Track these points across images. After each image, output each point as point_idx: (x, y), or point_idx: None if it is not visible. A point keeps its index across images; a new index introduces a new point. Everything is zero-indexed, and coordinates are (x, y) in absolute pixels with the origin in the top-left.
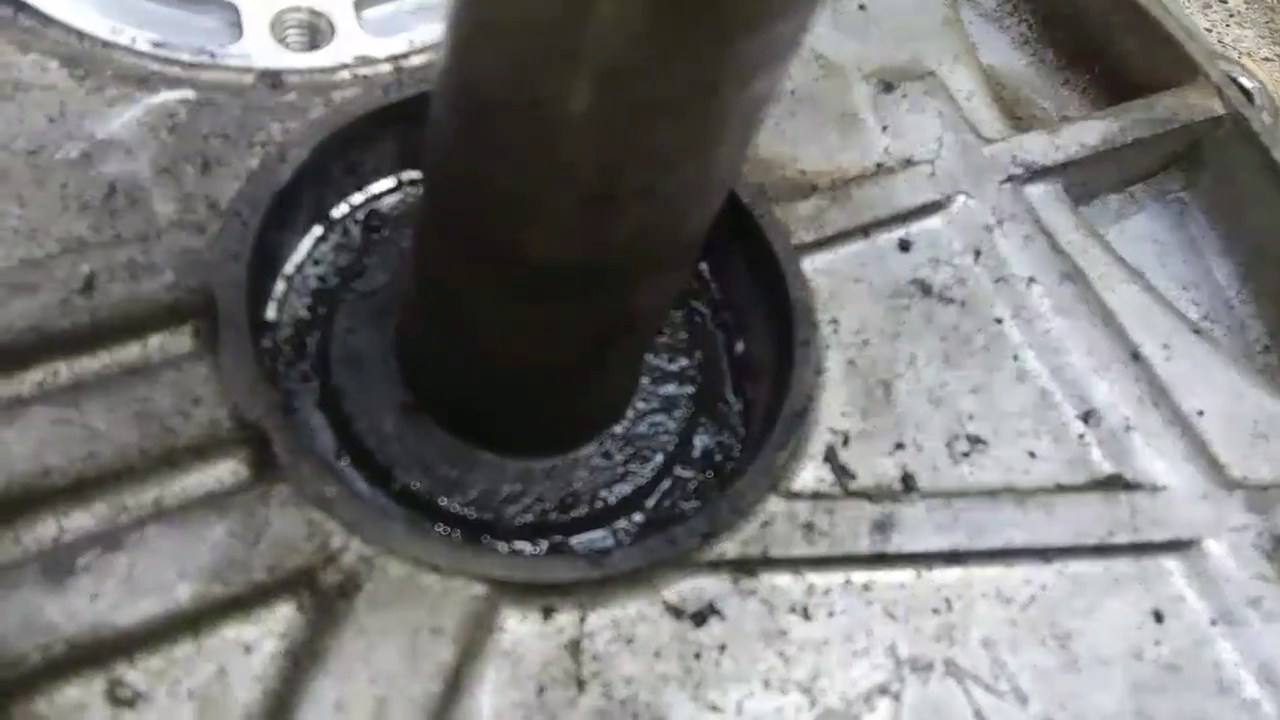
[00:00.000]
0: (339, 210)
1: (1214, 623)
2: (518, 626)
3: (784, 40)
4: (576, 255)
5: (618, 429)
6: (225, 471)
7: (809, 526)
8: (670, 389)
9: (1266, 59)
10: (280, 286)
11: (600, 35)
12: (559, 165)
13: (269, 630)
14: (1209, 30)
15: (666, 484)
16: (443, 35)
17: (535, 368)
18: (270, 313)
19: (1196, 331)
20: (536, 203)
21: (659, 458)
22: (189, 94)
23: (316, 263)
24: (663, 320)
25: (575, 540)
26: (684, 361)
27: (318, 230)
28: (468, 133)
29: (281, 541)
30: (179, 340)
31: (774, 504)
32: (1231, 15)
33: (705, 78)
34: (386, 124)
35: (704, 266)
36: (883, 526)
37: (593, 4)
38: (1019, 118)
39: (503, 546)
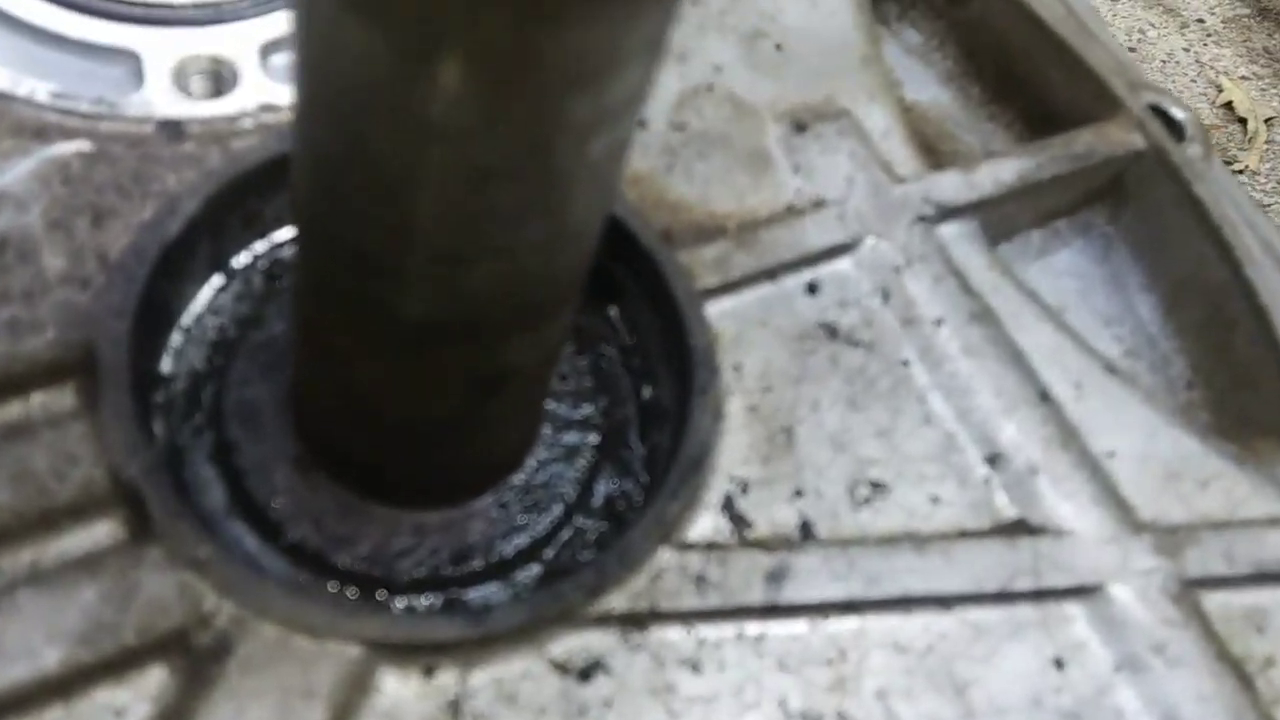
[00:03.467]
0: (240, 260)
1: (1117, 669)
2: (396, 687)
3: (618, 100)
4: (435, 312)
5: (516, 479)
6: (102, 533)
7: (701, 578)
8: (572, 437)
9: (1244, 77)
10: (177, 338)
11: (425, 98)
12: (403, 225)
13: (140, 694)
14: (1186, 50)
15: (566, 534)
16: (292, 95)
17: (416, 420)
18: (165, 366)
19: (1110, 370)
20: (387, 261)
21: (558, 508)
22: (85, 145)
23: (216, 313)
24: (549, 371)
25: (470, 594)
26: (588, 409)
27: (218, 280)
28: (318, 191)
29: (153, 604)
30: (60, 398)
31: (665, 556)
32: (1209, 35)
33: (537, 140)
34: (286, 172)
35: (614, 311)
36: (777, 576)
37: (416, 68)
38: (941, 153)
39: (397, 601)
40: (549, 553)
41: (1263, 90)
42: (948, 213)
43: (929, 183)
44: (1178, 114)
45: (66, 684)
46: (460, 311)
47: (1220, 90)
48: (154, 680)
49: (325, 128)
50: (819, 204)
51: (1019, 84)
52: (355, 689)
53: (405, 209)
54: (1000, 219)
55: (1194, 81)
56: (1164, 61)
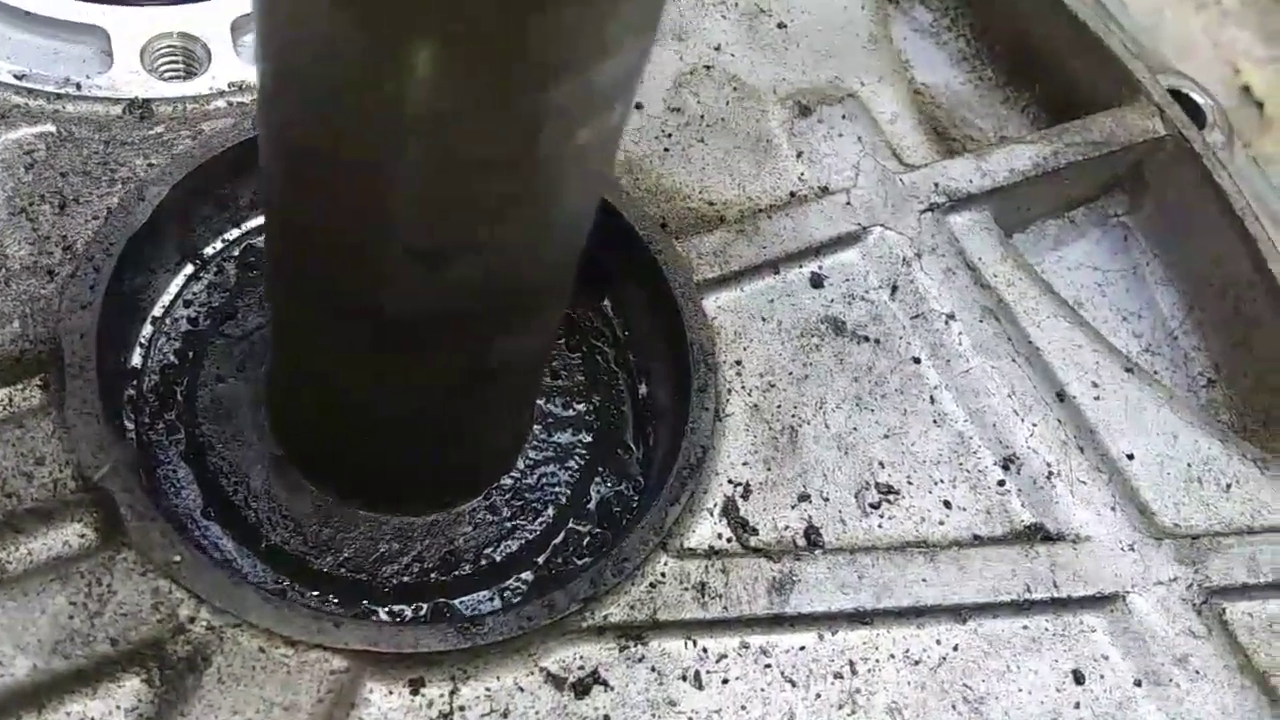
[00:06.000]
0: (212, 247)
1: (1138, 683)
2: (382, 700)
3: (609, 85)
4: (416, 309)
5: (506, 481)
6: (71, 535)
7: (701, 587)
8: (565, 437)
9: (1261, 60)
10: (148, 330)
11: (401, 83)
12: (379, 218)
13: (115, 705)
14: (1204, 31)
15: (559, 539)
16: (256, 76)
17: (399, 420)
18: (135, 359)
19: (1129, 370)
20: (364, 255)
21: (550, 511)
22: (50, 128)
23: (187, 303)
24: (539, 368)
25: (459, 602)
26: (580, 407)
27: (189, 269)
28: (288, 182)
29: (126, 612)
30: (26, 395)
31: (664, 563)
32: (1226, 15)
33: (521, 128)
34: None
35: (607, 303)
36: (782, 586)
37: (391, 51)
38: (953, 139)
39: (382, 610)
40: (541, 558)
41: None
42: (959, 201)
43: (940, 169)
44: (1199, 99)
45: (37, 695)
46: (442, 308)
47: (1238, 72)
48: (128, 691)
49: (292, 115)
50: (824, 192)
51: (1035, 66)
52: (339, 702)
53: (381, 202)
54: (1015, 208)
55: (1211, 63)
56: (1181, 42)
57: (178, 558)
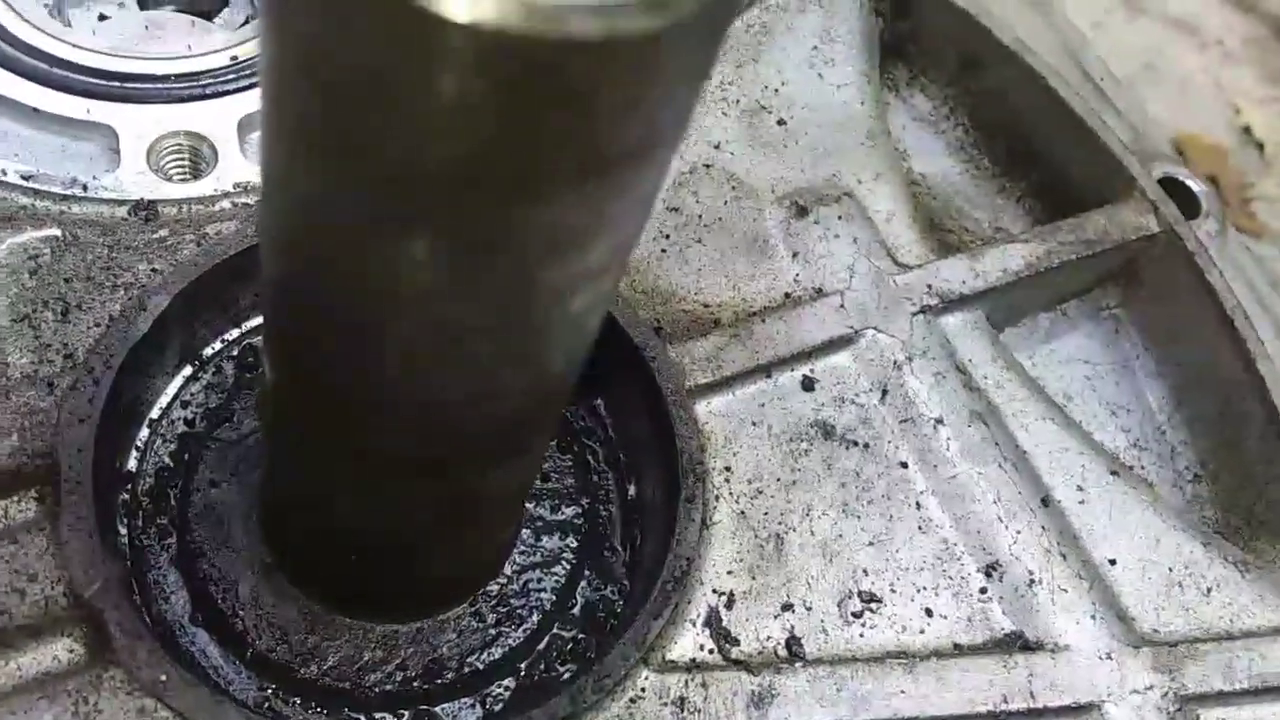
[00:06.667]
0: (211, 348)
1: None
2: None
3: (603, 262)
4: (408, 449)
5: (493, 587)
6: (61, 651)
7: (681, 702)
8: (552, 541)
9: (1261, 100)
10: (144, 433)
11: (395, 263)
12: (373, 374)
13: None
14: (1204, 71)
15: (543, 645)
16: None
17: (385, 539)
18: (131, 463)
19: (1114, 472)
20: (358, 400)
21: (535, 617)
22: (55, 232)
23: (185, 404)
24: (526, 491)
25: (440, 709)
26: (569, 510)
27: (187, 370)
28: (287, 324)
29: None
30: (22, 508)
31: (644, 678)
32: (1227, 56)
33: (512, 303)
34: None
35: (599, 403)
36: (761, 700)
37: (388, 235)
38: (948, 230)
39: (363, 718)
40: (524, 665)
41: None
42: (952, 302)
43: (933, 270)
44: (1195, 187)
45: None
46: (434, 449)
47: (1239, 112)
48: None
49: (289, 270)
50: (818, 293)
51: (1030, 157)
52: None
53: (375, 361)
54: (1007, 306)
55: (1212, 103)
56: (1181, 82)
57: (164, 677)
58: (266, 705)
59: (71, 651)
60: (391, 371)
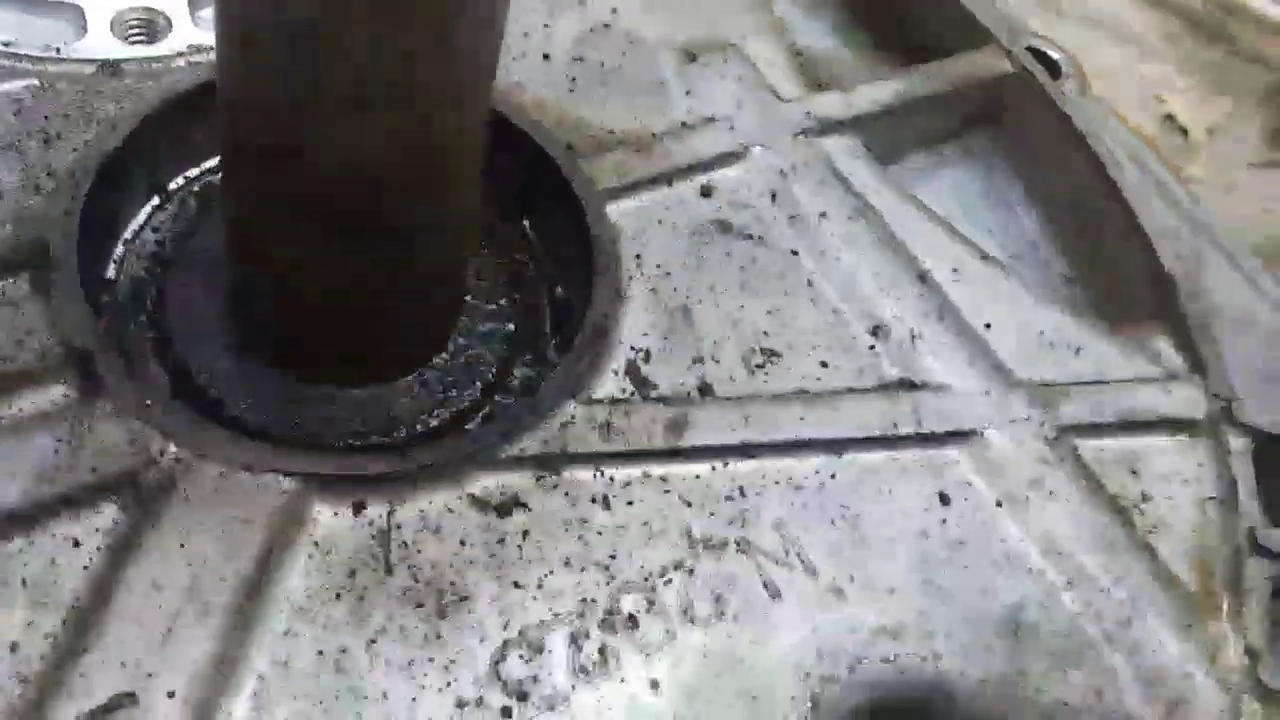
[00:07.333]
0: (175, 183)
1: (999, 503)
2: (329, 519)
3: None
4: (346, 163)
5: (437, 361)
6: (56, 394)
7: (607, 426)
8: (489, 326)
9: (1183, 90)
10: (119, 249)
11: None
12: (313, 74)
13: (95, 526)
14: (1126, 65)
15: (486, 410)
16: None
17: (336, 291)
18: (109, 272)
19: (986, 258)
20: (299, 110)
21: (477, 385)
22: (34, 82)
23: (154, 229)
24: (461, 250)
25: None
26: (503, 302)
27: (155, 201)
28: (239, 55)
29: (105, 448)
30: (18, 286)
31: (573, 408)
32: (1149, 51)
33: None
34: (214, 98)
35: (526, 224)
36: (677, 426)
37: None
38: (823, 85)
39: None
40: (471, 425)
41: (1202, 101)
42: (829, 127)
43: (811, 101)
44: (1054, 54)
45: (27, 518)
46: (369, 164)
47: (1162, 101)
48: (107, 515)
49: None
50: (710, 120)
51: (903, 28)
52: (291, 520)
53: (315, 55)
54: (883, 137)
55: (1132, 92)
56: (1105, 77)
57: (149, 402)
58: None
59: (66, 395)
60: (329, 68)
